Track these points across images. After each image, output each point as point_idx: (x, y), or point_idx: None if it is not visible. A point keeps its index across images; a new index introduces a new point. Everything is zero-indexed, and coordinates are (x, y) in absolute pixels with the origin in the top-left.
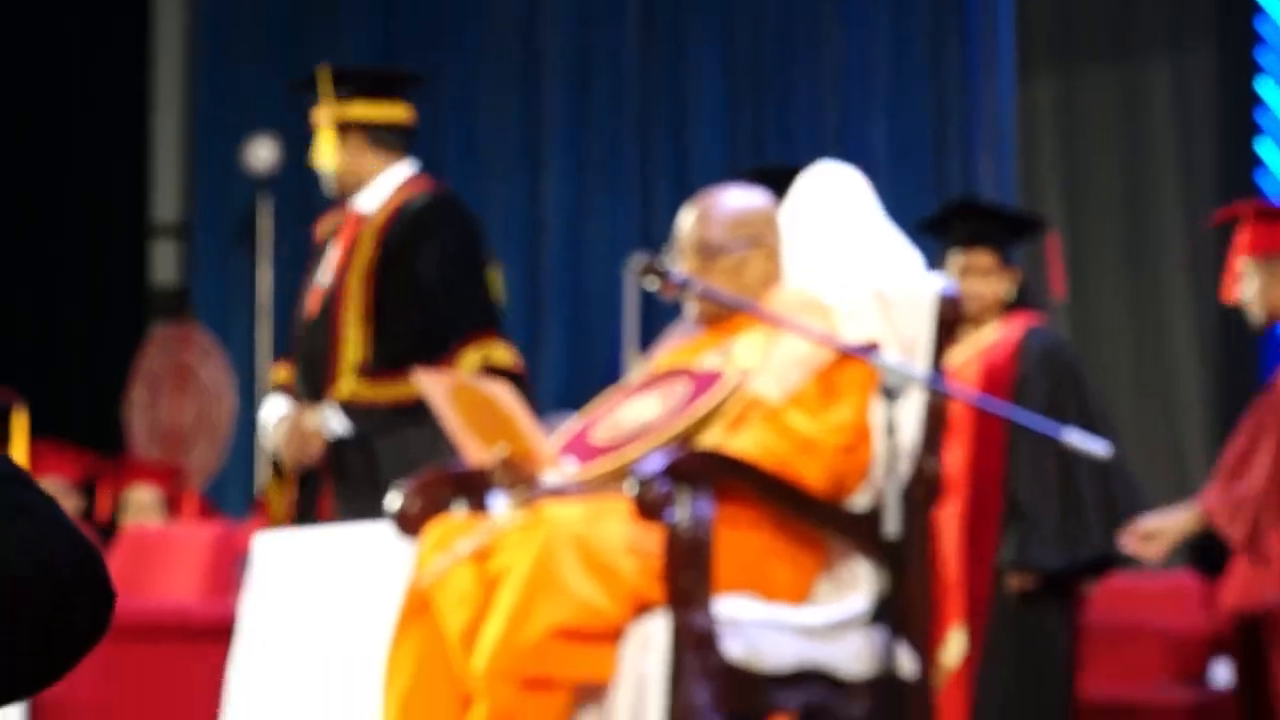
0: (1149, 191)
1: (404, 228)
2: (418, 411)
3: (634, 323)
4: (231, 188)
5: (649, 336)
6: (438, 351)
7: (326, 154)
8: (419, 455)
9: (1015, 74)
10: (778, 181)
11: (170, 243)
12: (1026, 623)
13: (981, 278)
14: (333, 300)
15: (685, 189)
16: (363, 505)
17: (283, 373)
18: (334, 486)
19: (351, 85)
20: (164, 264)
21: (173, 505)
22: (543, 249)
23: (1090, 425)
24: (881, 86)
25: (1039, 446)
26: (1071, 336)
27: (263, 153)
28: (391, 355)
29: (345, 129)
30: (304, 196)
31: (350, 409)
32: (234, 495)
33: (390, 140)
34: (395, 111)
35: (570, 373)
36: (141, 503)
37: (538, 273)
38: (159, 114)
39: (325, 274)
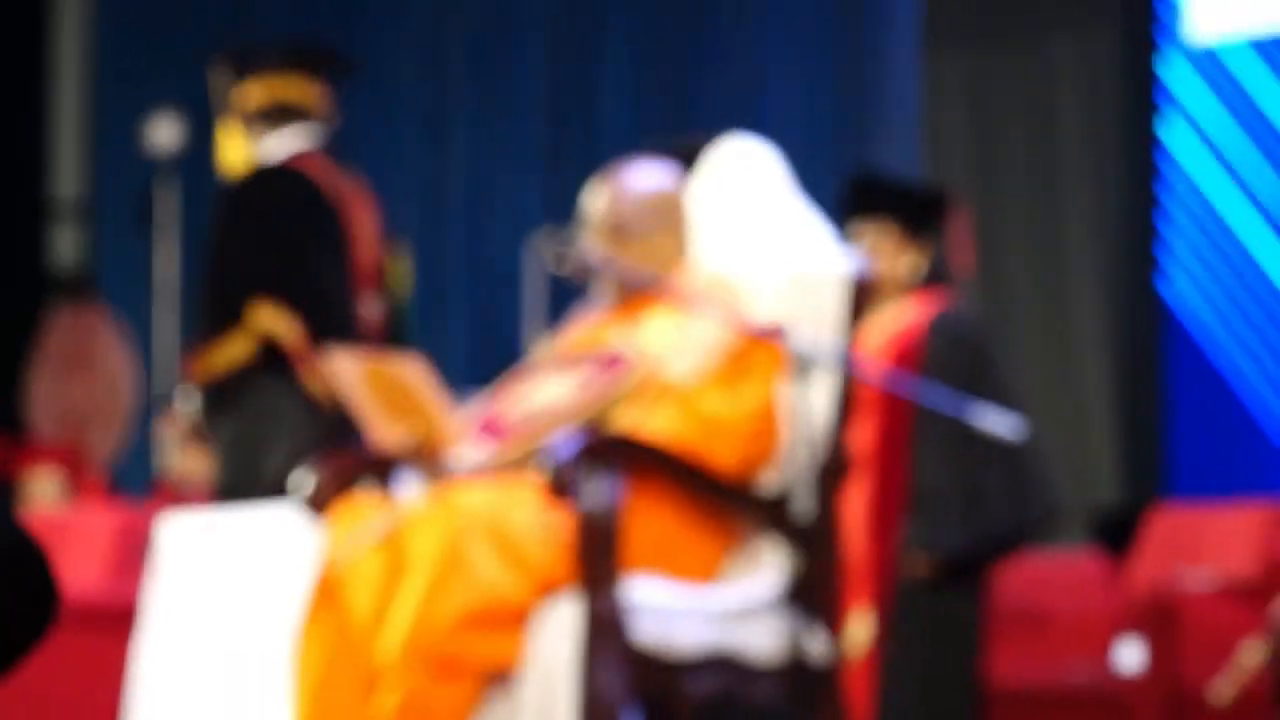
0: (1055, 171)
1: (221, 202)
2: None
3: (538, 302)
4: (133, 166)
5: (554, 315)
6: (220, 324)
7: (235, 152)
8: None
9: (921, 52)
10: (686, 156)
11: (71, 224)
12: (932, 606)
13: (885, 254)
14: None
15: (593, 165)
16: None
17: None
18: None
19: (250, 67)
20: (64, 245)
21: (74, 488)
22: (446, 226)
23: (1000, 406)
24: (790, 61)
25: (946, 428)
26: (982, 314)
27: (164, 130)
28: (198, 332)
29: (248, 117)
30: (209, 175)
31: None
32: (135, 478)
33: (279, 116)
34: (291, 90)
35: (474, 351)
36: (42, 486)
37: (441, 250)
38: (58, 88)
39: None
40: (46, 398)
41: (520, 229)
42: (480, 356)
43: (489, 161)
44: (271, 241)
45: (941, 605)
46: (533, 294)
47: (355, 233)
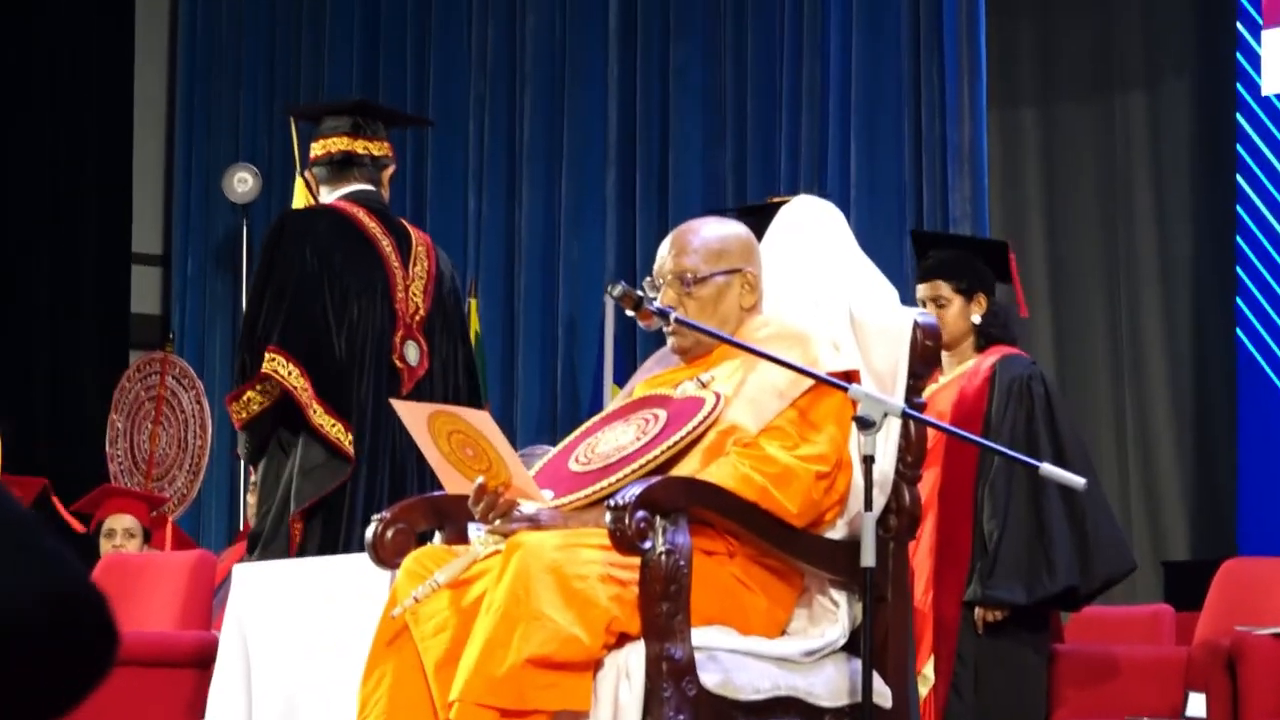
0: (1128, 222)
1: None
2: (270, 433)
3: (613, 352)
4: (211, 216)
5: (629, 366)
6: (246, 373)
7: (297, 203)
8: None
9: (991, 104)
10: (758, 218)
11: (150, 270)
12: (997, 654)
13: (943, 307)
14: None
15: (665, 219)
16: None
17: None
18: None
19: (311, 122)
20: (144, 292)
21: (149, 535)
22: (519, 276)
23: (1063, 455)
24: (859, 119)
25: (1009, 478)
26: (1055, 365)
27: (242, 181)
28: (234, 376)
29: (312, 171)
30: None
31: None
32: (212, 526)
33: (336, 170)
34: (336, 143)
35: (545, 399)
36: (120, 531)
37: (513, 300)
38: (139, 143)
39: None
40: (123, 443)
41: (592, 278)
42: (551, 405)
43: (560, 210)
44: (280, 285)
45: (1006, 654)
46: (608, 344)
47: (395, 278)
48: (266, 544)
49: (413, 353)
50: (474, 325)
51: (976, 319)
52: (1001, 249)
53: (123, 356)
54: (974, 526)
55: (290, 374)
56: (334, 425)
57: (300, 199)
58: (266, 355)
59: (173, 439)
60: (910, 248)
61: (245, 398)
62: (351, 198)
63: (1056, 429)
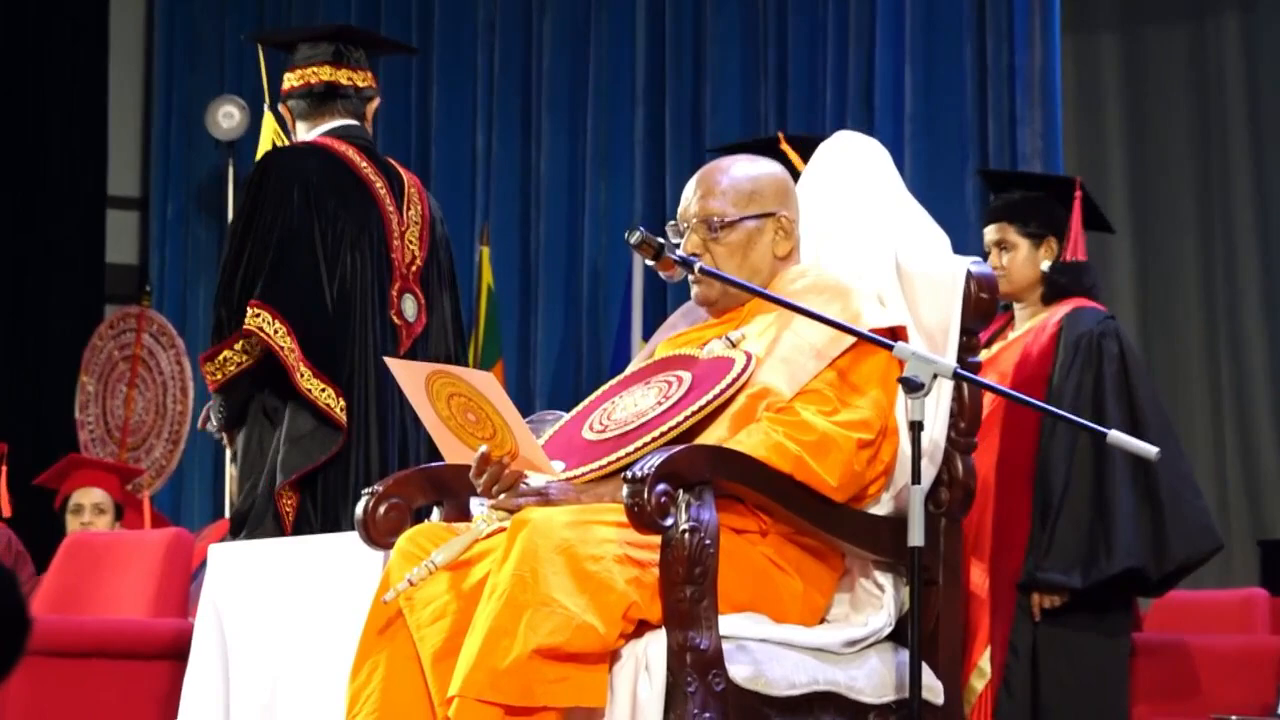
0: (1222, 158)
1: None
2: (249, 397)
3: (642, 307)
4: (194, 155)
5: (653, 319)
6: (228, 327)
7: (264, 148)
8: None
9: (1065, 27)
10: (798, 153)
11: (126, 215)
12: (1058, 645)
13: (1008, 252)
14: None
15: (699, 161)
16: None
17: None
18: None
19: (287, 51)
20: (119, 239)
21: (122, 511)
22: (537, 222)
23: (1139, 423)
24: (914, 46)
25: (1071, 446)
26: (1139, 324)
27: (228, 116)
28: (210, 333)
29: (289, 105)
30: None
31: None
32: (195, 502)
33: (317, 104)
34: (317, 73)
35: (568, 363)
36: (89, 506)
37: (530, 249)
38: (114, 74)
39: None
40: (95, 408)
41: (618, 225)
42: (574, 366)
43: (585, 150)
44: (265, 231)
45: (1071, 646)
46: (636, 298)
47: (390, 224)
48: (255, 524)
49: (410, 307)
50: (486, 277)
51: (1045, 266)
52: (1067, 186)
53: (96, 310)
54: (1033, 501)
55: (276, 332)
56: (324, 390)
57: (269, 137)
58: (250, 310)
59: (150, 404)
60: (972, 191)
61: (222, 357)
62: (336, 134)
63: (1132, 392)
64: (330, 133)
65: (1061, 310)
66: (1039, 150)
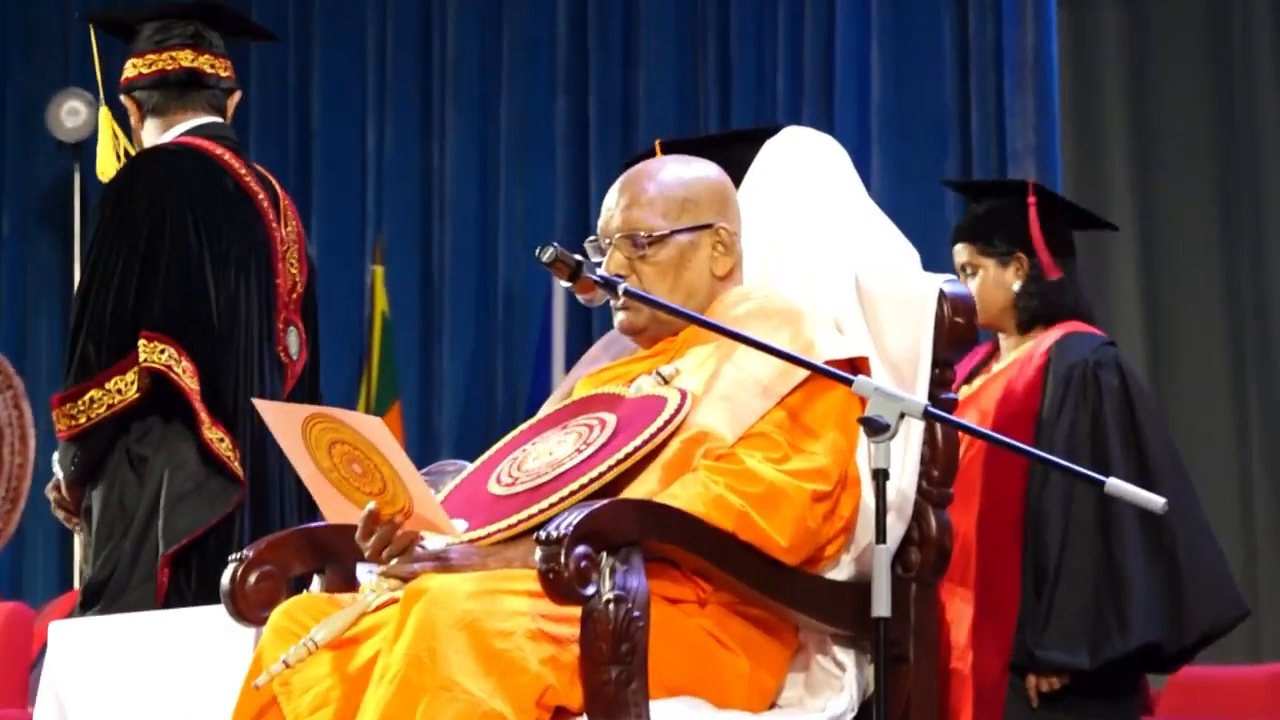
0: (1251, 148)
1: (99, 199)
2: (112, 444)
3: (563, 336)
4: (33, 158)
5: (575, 349)
6: (99, 361)
7: (104, 150)
8: (135, 502)
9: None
10: (740, 149)
11: None
12: None
13: (973, 277)
14: None
15: (627, 155)
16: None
17: None
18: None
19: (126, 39)
20: None
21: None
22: (441, 234)
23: (1147, 469)
24: (882, 21)
25: (1067, 499)
26: (1147, 352)
27: (72, 113)
28: (71, 368)
29: (130, 98)
30: None
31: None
32: (39, 572)
33: (175, 96)
34: (176, 58)
35: (479, 403)
36: None
37: (433, 267)
38: None
39: None
40: None
41: (537, 237)
42: (486, 407)
43: (498, 149)
44: (149, 247)
45: None
46: (549, 322)
47: (275, 243)
48: (114, 596)
49: (294, 341)
50: (380, 302)
51: (1016, 287)
52: (1020, 190)
53: None
54: (1023, 564)
55: (184, 371)
56: (221, 440)
57: (109, 138)
58: (143, 342)
59: None
60: (954, 197)
61: (88, 397)
62: (201, 133)
63: (1139, 433)
64: (193, 131)
65: (1050, 337)
66: (1032, 145)
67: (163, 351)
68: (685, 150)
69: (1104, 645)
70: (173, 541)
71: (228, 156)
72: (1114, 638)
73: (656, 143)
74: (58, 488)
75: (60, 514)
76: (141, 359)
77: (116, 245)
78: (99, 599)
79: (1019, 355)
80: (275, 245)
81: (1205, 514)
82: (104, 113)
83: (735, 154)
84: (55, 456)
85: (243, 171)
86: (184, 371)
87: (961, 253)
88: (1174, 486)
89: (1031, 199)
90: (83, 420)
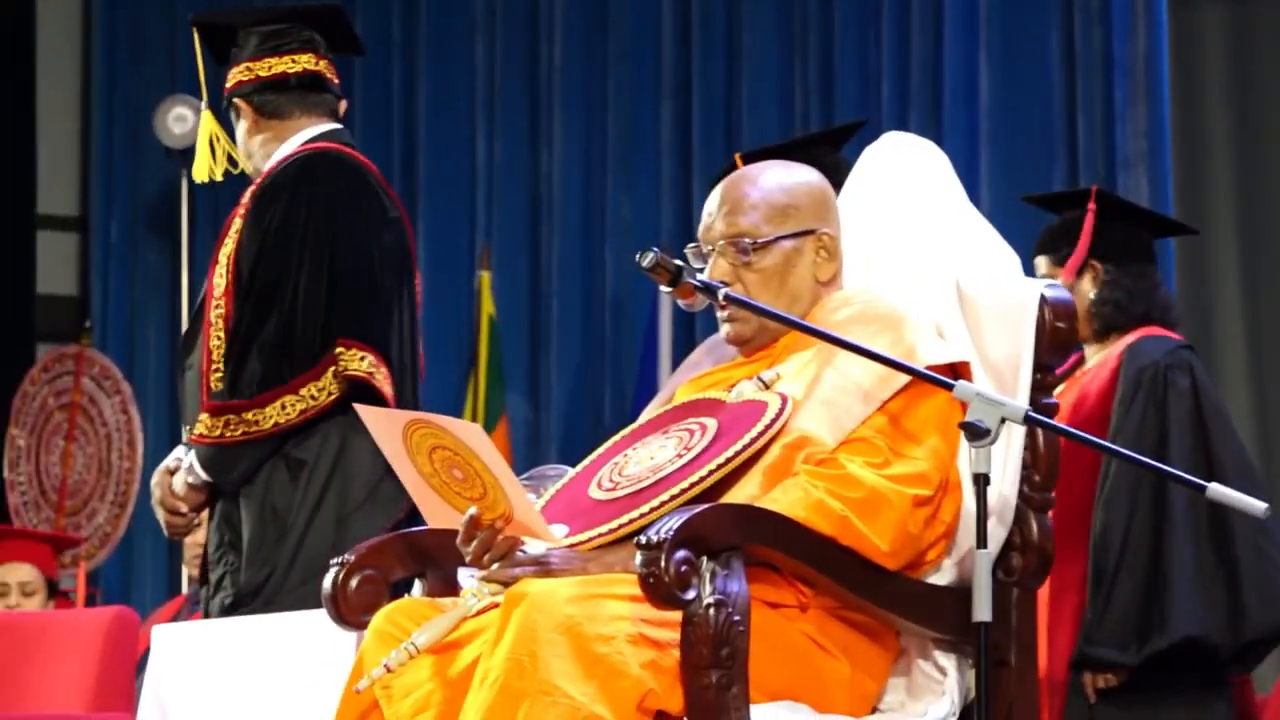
0: None
1: (255, 204)
2: (278, 448)
3: (670, 342)
4: (141, 166)
5: (682, 354)
6: (289, 369)
7: (201, 155)
8: (289, 506)
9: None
10: (821, 152)
11: (61, 237)
12: None
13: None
14: (201, 309)
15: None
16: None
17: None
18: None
19: (226, 45)
20: (53, 266)
21: (56, 588)
22: (548, 240)
23: (1212, 472)
24: (990, 29)
25: (1133, 499)
26: (1249, 367)
27: (180, 119)
28: (246, 375)
29: (230, 103)
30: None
31: (203, 449)
32: (148, 576)
33: (298, 100)
34: (299, 61)
35: (585, 408)
36: (15, 586)
37: (541, 273)
38: (44, 74)
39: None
40: (27, 465)
41: (641, 243)
42: (592, 412)
43: (605, 156)
44: (337, 255)
45: None
46: (655, 327)
47: (414, 259)
48: (271, 598)
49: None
50: (487, 307)
51: (1092, 295)
52: (1086, 199)
53: (26, 351)
54: (1089, 563)
55: (383, 377)
56: None
57: (205, 144)
58: (340, 349)
59: (91, 460)
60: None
61: (281, 403)
62: (332, 139)
63: (1207, 436)
64: (324, 137)
65: (1125, 342)
66: (1143, 152)
67: (363, 359)
68: (765, 157)
69: (1148, 640)
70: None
71: (366, 162)
72: (1155, 633)
73: (737, 156)
74: (165, 487)
75: (166, 515)
76: (340, 366)
77: (299, 252)
78: (253, 600)
79: (1097, 361)
80: (414, 251)
81: (1275, 520)
82: (205, 116)
83: (816, 156)
84: (191, 461)
85: (379, 177)
86: (383, 378)
87: (1041, 265)
88: (1240, 487)
89: (1091, 205)
90: (268, 426)
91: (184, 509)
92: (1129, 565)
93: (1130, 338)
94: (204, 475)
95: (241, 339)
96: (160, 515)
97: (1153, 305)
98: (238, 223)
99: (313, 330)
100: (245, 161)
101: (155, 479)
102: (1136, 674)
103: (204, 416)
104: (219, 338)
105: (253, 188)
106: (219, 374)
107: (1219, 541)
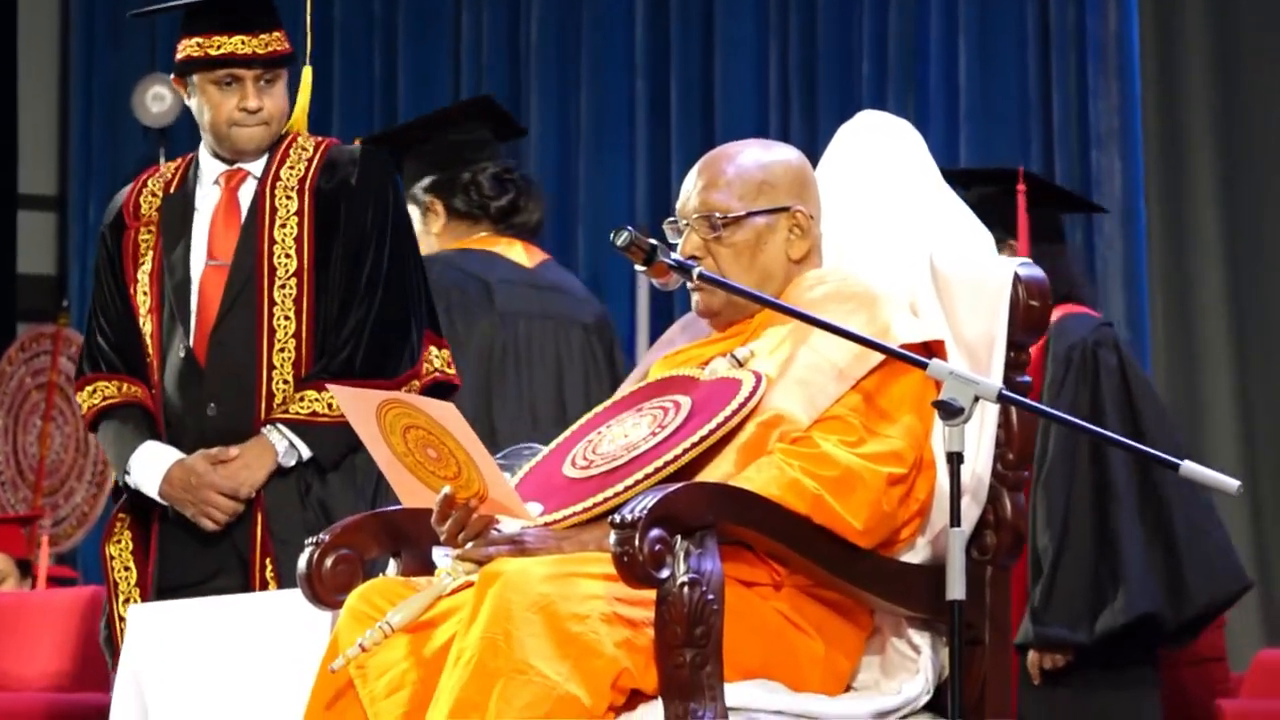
0: None
1: (345, 188)
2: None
3: (649, 318)
4: (120, 145)
5: (656, 333)
6: (400, 354)
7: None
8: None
9: None
10: None
11: (40, 216)
12: (1073, 713)
13: None
14: (250, 287)
15: (711, 144)
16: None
17: (140, 396)
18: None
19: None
20: (32, 245)
21: (30, 569)
22: None
23: (1143, 442)
24: (967, 7)
25: (1069, 477)
26: (1235, 360)
27: (158, 98)
28: (344, 359)
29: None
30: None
31: (308, 429)
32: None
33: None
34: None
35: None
36: None
37: None
38: (24, 51)
39: (201, 253)
40: (4, 445)
41: (618, 221)
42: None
43: (578, 134)
44: (415, 247)
45: (1091, 710)
46: (634, 306)
47: None
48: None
49: None
50: None
51: None
52: (1009, 178)
53: (5, 330)
54: (1030, 543)
55: (457, 372)
56: None
57: (303, 112)
58: (434, 349)
59: (69, 440)
60: None
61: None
62: None
63: (1136, 412)
64: None
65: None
66: (1114, 131)
67: (439, 353)
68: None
69: (1101, 618)
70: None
71: None
72: (1110, 611)
73: None
74: (222, 473)
75: (225, 501)
76: (446, 367)
77: (411, 242)
78: None
79: None
80: None
81: (1207, 493)
82: (307, 72)
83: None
84: (277, 441)
85: None
86: (457, 373)
87: None
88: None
89: (1021, 187)
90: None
91: (244, 495)
92: (1073, 544)
93: (1053, 316)
94: (306, 454)
95: (373, 316)
96: (215, 506)
97: (1072, 283)
98: (287, 202)
99: (416, 321)
100: (278, 127)
101: (197, 468)
102: (1082, 651)
103: (322, 395)
104: (312, 318)
105: (309, 174)
106: (327, 352)
107: (1157, 518)
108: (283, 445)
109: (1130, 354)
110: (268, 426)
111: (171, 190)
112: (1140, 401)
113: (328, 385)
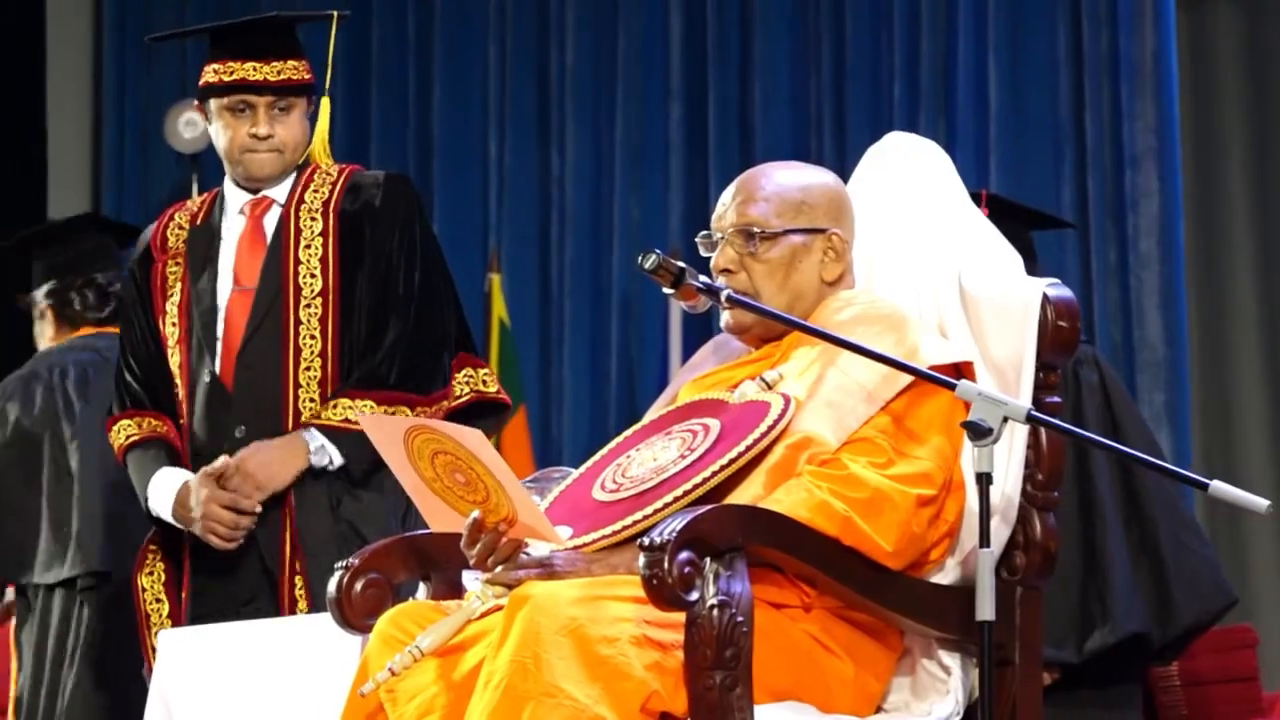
0: None
1: (369, 210)
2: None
3: (681, 342)
4: (151, 170)
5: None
6: (433, 374)
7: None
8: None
9: (1181, 11)
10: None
11: None
12: None
13: None
14: (275, 308)
15: (745, 167)
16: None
17: (163, 430)
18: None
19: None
20: None
21: None
22: (558, 243)
23: (1127, 468)
24: (997, 33)
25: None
26: (1270, 363)
27: (190, 124)
28: (375, 375)
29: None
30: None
31: (342, 436)
32: None
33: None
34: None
35: (597, 409)
36: None
37: (551, 274)
38: (53, 77)
39: (227, 280)
40: None
41: (651, 243)
42: (604, 412)
43: (613, 157)
44: (447, 270)
45: None
46: (667, 329)
47: None
48: None
49: None
50: (498, 310)
51: None
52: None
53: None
54: None
55: (498, 391)
56: None
57: (323, 141)
58: (469, 370)
59: None
60: (1070, 199)
61: (438, 406)
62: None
63: (1119, 430)
64: None
65: None
66: (1152, 150)
67: (474, 373)
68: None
69: (1089, 638)
70: None
71: None
72: (1098, 630)
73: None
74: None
75: (235, 517)
76: (484, 384)
77: (440, 263)
78: None
79: None
80: None
81: (1190, 509)
82: (325, 105)
83: None
84: (319, 448)
85: None
86: (498, 392)
87: None
88: (1155, 482)
89: (984, 210)
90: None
91: (254, 507)
92: (1059, 563)
93: None
94: (338, 459)
95: (406, 332)
96: (218, 520)
97: None
98: (312, 224)
99: (449, 340)
100: (293, 155)
101: (198, 486)
102: (1069, 671)
103: (367, 402)
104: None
105: (333, 196)
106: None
107: (1142, 536)
108: (315, 443)
109: (1111, 370)
110: (304, 428)
111: (198, 222)
112: (1123, 419)
113: (358, 416)
